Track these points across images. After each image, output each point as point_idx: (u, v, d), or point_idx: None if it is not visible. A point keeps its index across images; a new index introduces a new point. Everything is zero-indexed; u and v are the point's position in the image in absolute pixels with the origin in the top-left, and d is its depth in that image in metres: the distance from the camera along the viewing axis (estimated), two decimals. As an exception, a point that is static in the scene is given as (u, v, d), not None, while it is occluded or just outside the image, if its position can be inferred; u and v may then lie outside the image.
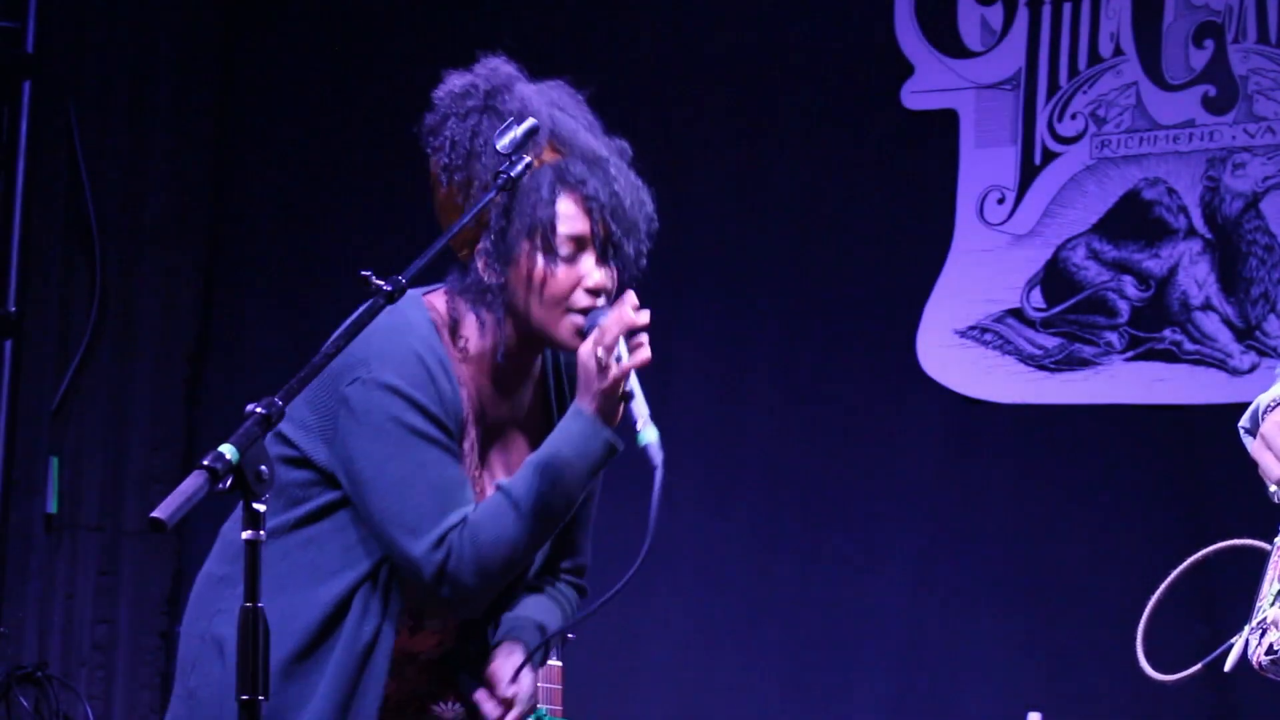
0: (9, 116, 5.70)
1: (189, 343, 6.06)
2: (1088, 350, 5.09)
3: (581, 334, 2.89)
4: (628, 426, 2.86)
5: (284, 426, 2.87)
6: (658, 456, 2.82)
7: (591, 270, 2.90)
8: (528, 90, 2.97)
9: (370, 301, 2.75)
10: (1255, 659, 2.71)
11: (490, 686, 2.97)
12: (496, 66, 3.00)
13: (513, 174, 2.86)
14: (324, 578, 2.89)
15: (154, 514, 2.26)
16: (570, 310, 2.90)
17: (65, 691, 5.68)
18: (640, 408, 2.85)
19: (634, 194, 2.94)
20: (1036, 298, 5.16)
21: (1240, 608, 2.92)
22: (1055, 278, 5.15)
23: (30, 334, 5.73)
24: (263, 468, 2.37)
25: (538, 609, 3.09)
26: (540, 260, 2.88)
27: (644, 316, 2.85)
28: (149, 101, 6.00)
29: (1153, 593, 3.15)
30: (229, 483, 2.35)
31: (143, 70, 6.00)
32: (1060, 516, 5.08)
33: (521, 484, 2.87)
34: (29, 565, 5.71)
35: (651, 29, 5.67)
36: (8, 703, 5.57)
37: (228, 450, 2.35)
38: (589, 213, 2.90)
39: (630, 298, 2.86)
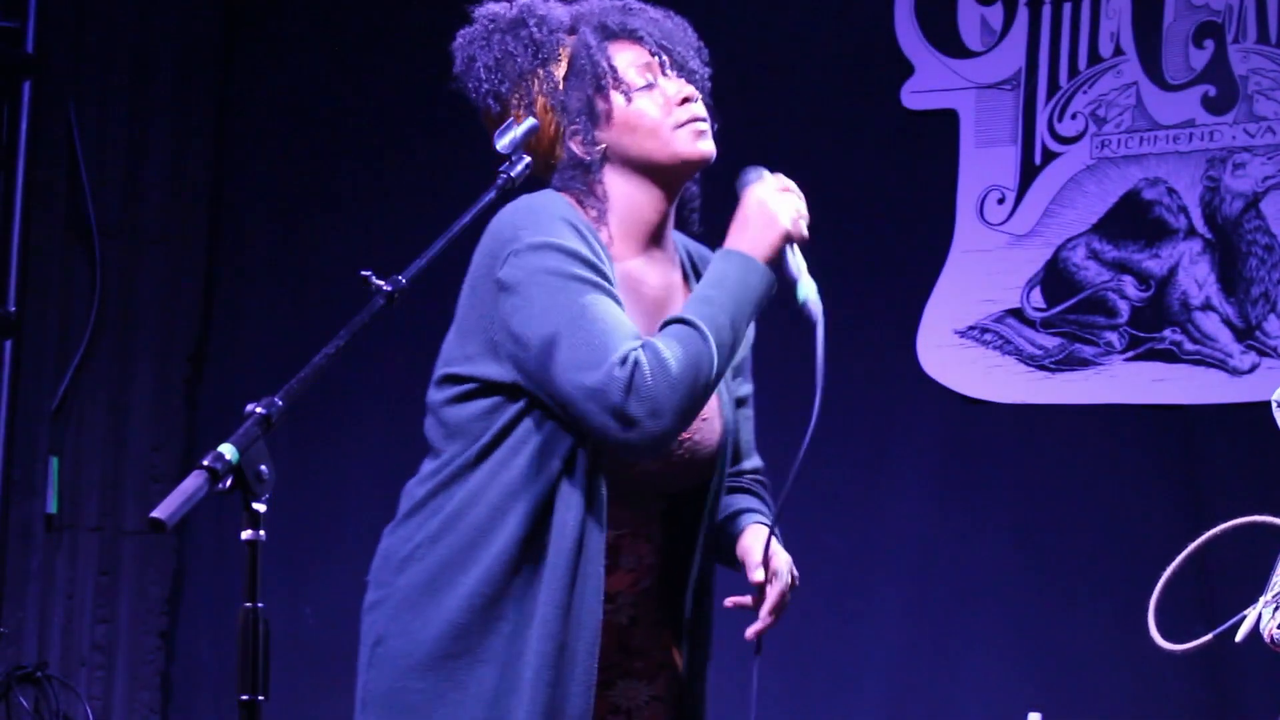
0: (9, 116, 5.70)
1: (189, 343, 6.06)
2: (1088, 350, 5.09)
3: (701, 142, 2.92)
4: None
5: (447, 370, 2.84)
6: (817, 310, 2.85)
7: (674, 85, 2.91)
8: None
9: (371, 301, 2.75)
10: (1267, 632, 2.71)
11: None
12: (494, 6, 3.00)
13: (513, 174, 2.85)
14: (519, 493, 2.79)
15: (154, 514, 2.26)
16: (676, 126, 2.90)
17: (65, 691, 5.68)
18: (799, 261, 2.86)
19: (673, 20, 2.97)
20: (1036, 298, 5.16)
21: (1237, 600, 2.92)
22: (1055, 278, 5.15)
23: (30, 334, 5.73)
24: (263, 468, 2.37)
25: (744, 500, 3.09)
26: (623, 101, 2.88)
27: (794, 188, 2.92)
28: (149, 102, 6.00)
29: (1156, 585, 3.15)
30: (229, 483, 2.35)
31: (143, 70, 6.00)
32: (1060, 516, 5.08)
33: (690, 309, 2.80)
34: (29, 565, 5.71)
35: (651, 29, 5.67)
36: (8, 703, 5.57)
37: (228, 450, 2.35)
38: (642, 43, 2.91)
39: None
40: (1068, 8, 5.21)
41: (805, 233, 2.89)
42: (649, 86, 2.90)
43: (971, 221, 5.25)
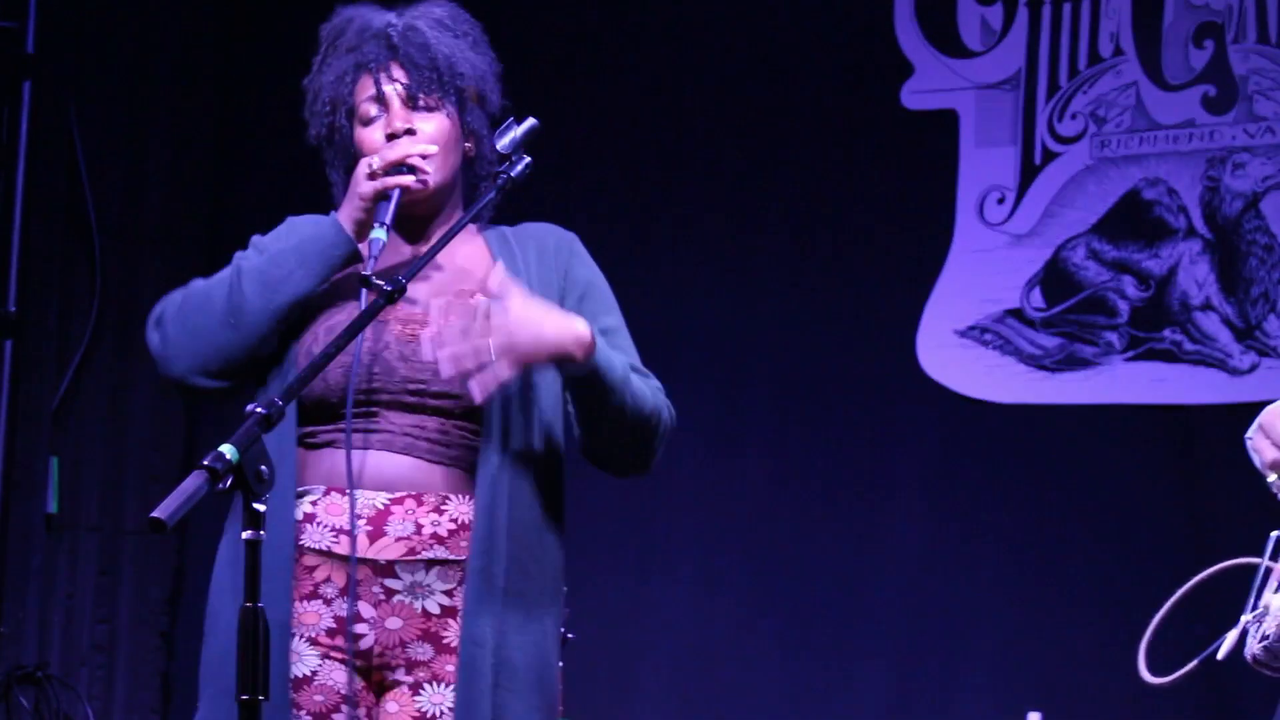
0: (9, 116, 5.69)
1: (189, 343, 6.05)
2: (1088, 350, 5.09)
3: (401, 177, 2.93)
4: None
5: None
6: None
7: (392, 120, 2.94)
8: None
9: (370, 301, 2.76)
10: (1250, 651, 2.71)
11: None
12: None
13: (513, 174, 2.89)
14: None
15: (154, 514, 2.27)
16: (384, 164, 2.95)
17: (65, 691, 5.67)
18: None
19: (427, 36, 2.97)
20: (1036, 298, 5.16)
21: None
22: (1055, 278, 5.15)
23: (30, 334, 5.72)
24: (263, 468, 2.38)
25: None
26: (356, 133, 2.98)
27: (397, 149, 2.90)
28: (149, 101, 6.00)
29: (1153, 600, 3.15)
30: (229, 483, 2.36)
31: (143, 70, 6.00)
32: (1060, 516, 5.09)
33: (244, 257, 2.95)
34: (29, 565, 5.71)
35: (651, 29, 5.67)
36: (8, 703, 5.57)
37: (228, 450, 2.36)
38: (371, 74, 2.97)
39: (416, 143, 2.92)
40: (1068, 8, 5.21)
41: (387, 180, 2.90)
42: (373, 120, 2.97)
43: (971, 221, 5.25)
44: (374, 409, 2.83)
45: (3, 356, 5.67)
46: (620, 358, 2.84)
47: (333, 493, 2.81)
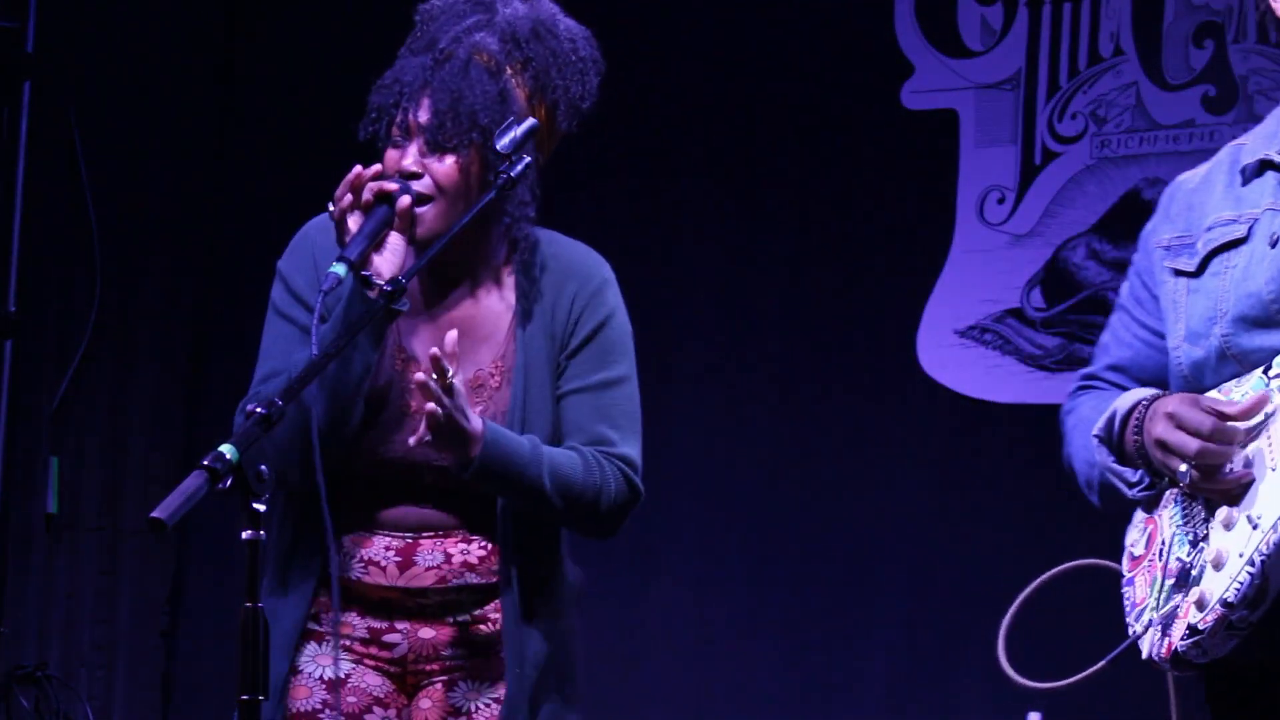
0: (9, 116, 5.69)
1: (189, 343, 6.06)
2: (1088, 350, 5.08)
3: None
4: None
5: None
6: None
7: (408, 154, 2.96)
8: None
9: (370, 301, 2.76)
10: (1166, 648, 2.68)
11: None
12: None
13: (513, 174, 2.90)
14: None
15: (154, 514, 2.27)
16: None
17: (65, 691, 5.67)
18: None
19: (460, 77, 2.95)
20: (1036, 298, 5.16)
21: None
22: (1055, 278, 5.15)
23: (30, 334, 5.72)
24: (263, 467, 2.38)
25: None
26: (386, 151, 3.01)
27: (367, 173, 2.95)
28: (149, 101, 6.00)
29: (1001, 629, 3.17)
30: (229, 483, 2.36)
31: (143, 70, 6.00)
32: (1060, 516, 5.08)
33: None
34: (29, 565, 5.71)
35: (650, 29, 5.67)
36: (8, 703, 5.57)
37: (228, 450, 2.36)
38: (406, 99, 2.98)
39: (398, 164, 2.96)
40: (1068, 8, 5.21)
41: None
42: (397, 146, 3.00)
43: (971, 221, 5.25)
44: (390, 474, 2.94)
45: (3, 356, 5.67)
46: (527, 443, 2.88)
47: (359, 530, 2.93)
